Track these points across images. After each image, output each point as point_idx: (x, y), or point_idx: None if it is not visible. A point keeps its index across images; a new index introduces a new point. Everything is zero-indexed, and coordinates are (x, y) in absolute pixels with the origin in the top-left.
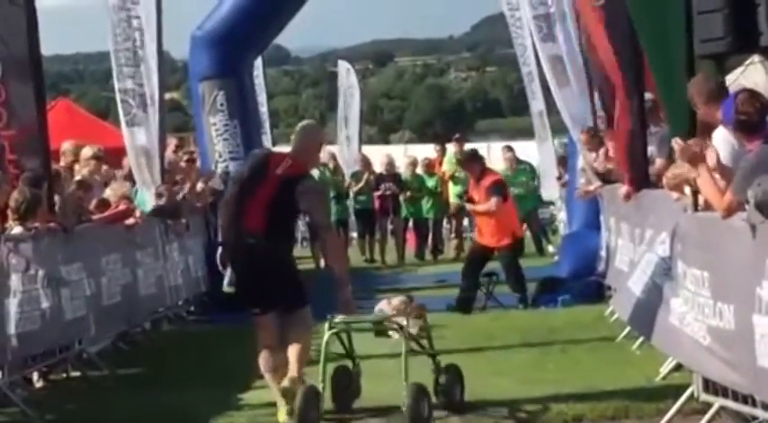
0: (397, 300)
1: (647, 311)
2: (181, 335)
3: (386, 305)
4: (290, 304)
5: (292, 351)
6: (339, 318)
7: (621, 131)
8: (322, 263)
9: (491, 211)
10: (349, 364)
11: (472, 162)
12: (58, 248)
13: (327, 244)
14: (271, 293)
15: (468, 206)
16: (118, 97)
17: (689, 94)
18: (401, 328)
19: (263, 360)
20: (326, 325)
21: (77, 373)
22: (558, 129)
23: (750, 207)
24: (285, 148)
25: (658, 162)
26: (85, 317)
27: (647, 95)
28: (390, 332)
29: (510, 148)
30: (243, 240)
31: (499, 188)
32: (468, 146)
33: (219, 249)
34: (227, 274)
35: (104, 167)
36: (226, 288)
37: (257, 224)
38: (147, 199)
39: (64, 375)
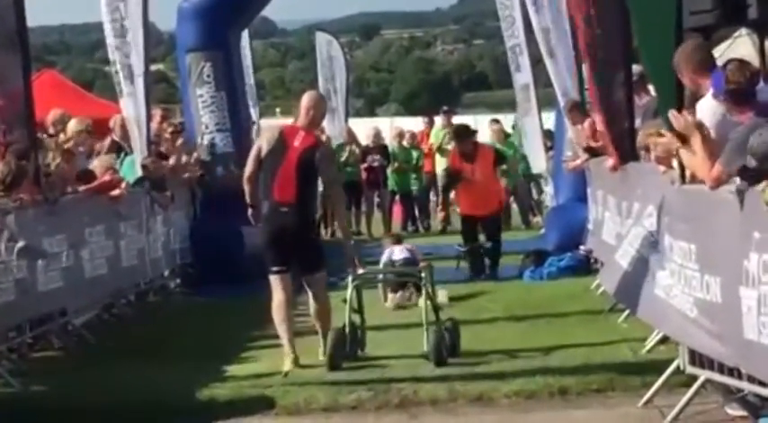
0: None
1: (634, 284)
2: (166, 307)
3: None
4: (313, 265)
5: (321, 317)
6: (362, 271)
7: (604, 104)
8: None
9: (485, 181)
10: (357, 318)
11: (467, 136)
12: (42, 220)
13: (334, 197)
14: (297, 254)
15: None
16: (112, 68)
17: (675, 61)
18: (420, 278)
19: (277, 312)
20: (350, 278)
21: (62, 345)
22: (547, 102)
23: (749, 158)
24: (271, 120)
25: (641, 134)
26: (62, 288)
27: (636, 67)
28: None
29: (497, 121)
30: (275, 209)
31: (502, 158)
32: (454, 119)
33: (250, 210)
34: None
35: (90, 140)
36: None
37: (288, 194)
38: (136, 168)
39: (49, 346)
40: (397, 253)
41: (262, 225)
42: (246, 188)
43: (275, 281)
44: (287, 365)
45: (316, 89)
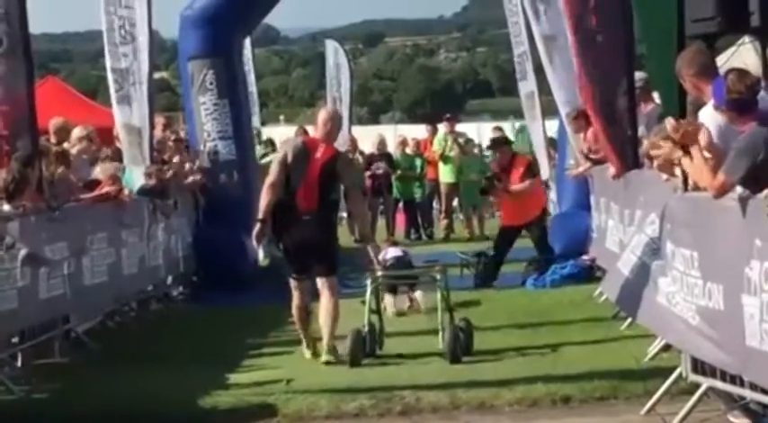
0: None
1: (637, 292)
2: (168, 315)
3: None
4: (327, 270)
5: (324, 321)
6: (381, 273)
7: (605, 112)
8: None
9: (525, 191)
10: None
11: (503, 145)
12: (44, 227)
13: (353, 201)
14: (316, 260)
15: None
16: (109, 75)
17: (677, 67)
18: (435, 280)
19: (296, 313)
20: (369, 279)
21: (65, 352)
22: (550, 110)
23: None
24: (275, 128)
25: (646, 142)
26: (63, 296)
27: (640, 74)
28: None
29: (500, 129)
30: (298, 218)
31: (534, 170)
32: (458, 126)
33: (257, 225)
34: (261, 248)
35: (93, 147)
36: (262, 261)
37: (311, 203)
38: (135, 178)
39: (51, 354)
40: (390, 252)
41: (286, 234)
42: (264, 196)
43: (295, 286)
44: (307, 355)
45: (320, 96)
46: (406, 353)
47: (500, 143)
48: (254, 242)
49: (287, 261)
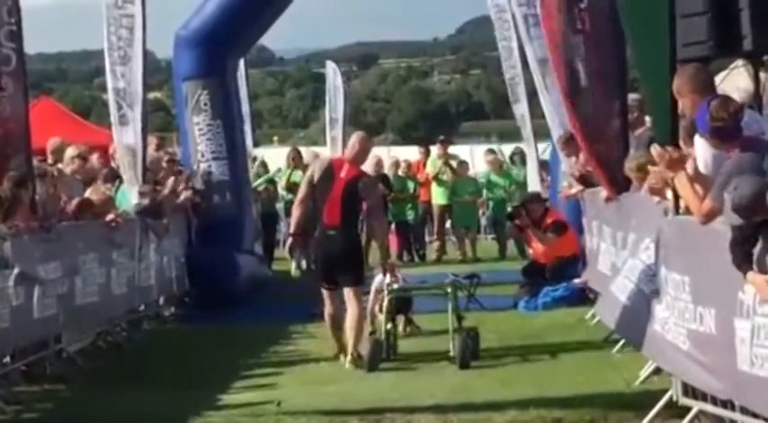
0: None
1: (631, 317)
2: (160, 335)
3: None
4: (352, 280)
5: (350, 329)
6: (397, 286)
7: (596, 135)
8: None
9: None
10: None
11: (536, 202)
12: (37, 247)
13: (374, 222)
14: (342, 271)
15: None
16: (110, 96)
17: (675, 85)
18: (447, 293)
19: (330, 322)
20: (386, 291)
21: (57, 372)
22: (542, 132)
23: (726, 210)
24: (268, 149)
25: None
26: (56, 316)
27: (633, 96)
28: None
29: (492, 151)
30: (324, 233)
31: (559, 228)
32: (451, 148)
33: (290, 239)
34: (295, 259)
35: (87, 166)
36: (294, 273)
37: (334, 219)
38: (129, 197)
39: (43, 374)
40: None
41: (314, 246)
42: (295, 212)
43: (326, 296)
44: (347, 364)
45: (314, 117)
46: (418, 355)
47: (533, 199)
48: (287, 254)
49: (318, 272)
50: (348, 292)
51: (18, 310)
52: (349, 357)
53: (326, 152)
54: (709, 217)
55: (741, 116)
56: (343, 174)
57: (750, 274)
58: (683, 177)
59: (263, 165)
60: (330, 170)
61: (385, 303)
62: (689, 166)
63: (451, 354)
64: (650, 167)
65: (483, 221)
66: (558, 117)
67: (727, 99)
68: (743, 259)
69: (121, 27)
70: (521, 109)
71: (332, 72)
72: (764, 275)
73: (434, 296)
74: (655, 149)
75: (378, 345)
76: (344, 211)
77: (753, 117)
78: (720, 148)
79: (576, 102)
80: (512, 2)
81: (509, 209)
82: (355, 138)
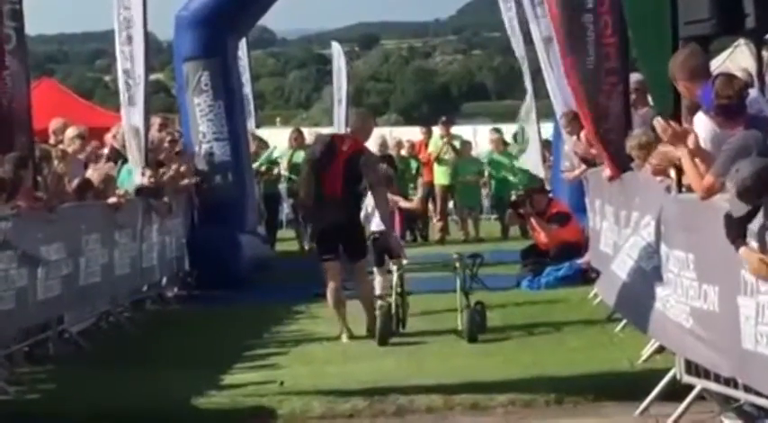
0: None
1: (631, 295)
2: (162, 316)
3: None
4: (356, 254)
5: (364, 298)
6: (405, 261)
7: (598, 114)
8: (306, 246)
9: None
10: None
11: (540, 193)
12: (40, 228)
13: (377, 195)
14: (343, 243)
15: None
16: (120, 77)
17: (670, 69)
18: (454, 268)
19: (330, 294)
20: (395, 267)
21: (59, 353)
22: (545, 112)
23: (731, 196)
24: (270, 130)
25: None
26: (60, 296)
27: (635, 76)
28: None
29: (498, 131)
30: (324, 203)
31: (561, 218)
32: (454, 129)
33: (302, 211)
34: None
35: (88, 147)
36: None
37: (335, 191)
38: (134, 177)
39: (46, 354)
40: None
41: (312, 218)
42: (303, 188)
43: (327, 268)
44: (344, 339)
45: (317, 98)
46: (425, 332)
47: (536, 191)
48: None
49: (316, 243)
50: (353, 268)
51: (22, 291)
52: (373, 329)
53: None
54: (709, 192)
55: (746, 94)
56: (345, 148)
57: (744, 250)
58: (686, 152)
59: (261, 141)
60: (332, 145)
61: (394, 279)
62: (690, 142)
63: (459, 328)
64: (657, 147)
65: (486, 202)
66: (561, 96)
67: (731, 77)
68: (737, 234)
69: (123, 8)
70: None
71: (336, 53)
72: (758, 253)
73: (440, 277)
74: (658, 123)
75: (388, 318)
76: (345, 185)
77: (754, 96)
78: (725, 126)
79: (581, 80)
80: None
81: (512, 192)
82: (356, 114)
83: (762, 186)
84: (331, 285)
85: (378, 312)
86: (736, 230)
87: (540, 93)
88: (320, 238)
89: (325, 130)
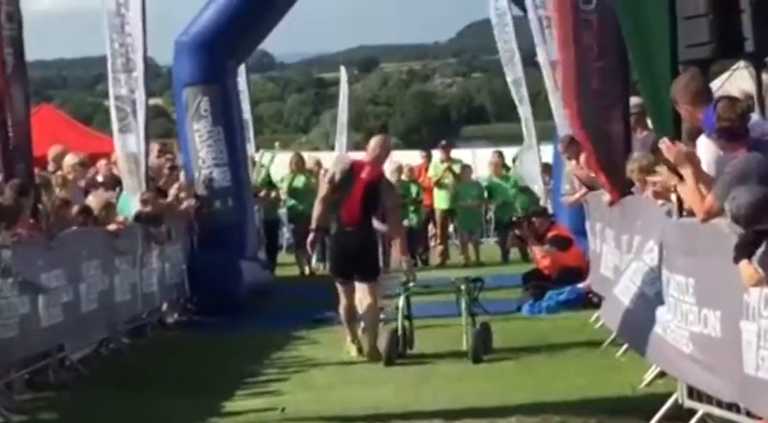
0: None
1: (634, 320)
2: (162, 342)
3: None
4: (369, 275)
5: (367, 325)
6: (411, 284)
7: (599, 138)
8: (306, 270)
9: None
10: (406, 322)
11: (542, 215)
12: (40, 255)
13: (391, 220)
14: (358, 267)
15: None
16: (112, 104)
17: (671, 93)
18: (459, 290)
19: (344, 314)
20: (402, 289)
21: (60, 380)
22: (546, 135)
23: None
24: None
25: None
26: (62, 323)
27: (635, 99)
28: None
29: (500, 154)
30: (342, 229)
31: (561, 243)
32: (453, 152)
33: (311, 235)
34: (315, 255)
35: (88, 174)
36: (314, 267)
37: (353, 217)
38: (131, 205)
39: (46, 382)
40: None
41: (331, 242)
42: (316, 209)
43: (341, 290)
44: (352, 352)
45: (318, 122)
46: (429, 354)
47: (539, 214)
48: (309, 248)
49: (333, 266)
50: (363, 288)
51: (25, 318)
52: (367, 351)
53: (332, 157)
54: (709, 214)
55: (748, 117)
56: (363, 175)
57: (742, 263)
58: (690, 173)
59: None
60: (351, 171)
61: (401, 301)
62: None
63: (464, 349)
64: (653, 175)
65: (488, 225)
66: (560, 119)
67: (734, 100)
68: (743, 256)
69: (123, 34)
70: (525, 112)
71: (343, 77)
72: (753, 265)
73: (441, 301)
74: (664, 143)
75: (394, 338)
76: (363, 211)
77: (756, 120)
78: (727, 148)
79: (582, 104)
80: (527, 4)
81: (513, 215)
82: (376, 140)
83: (756, 216)
84: (345, 303)
85: (385, 334)
86: (742, 252)
87: (540, 115)
88: (335, 265)
89: (327, 155)
